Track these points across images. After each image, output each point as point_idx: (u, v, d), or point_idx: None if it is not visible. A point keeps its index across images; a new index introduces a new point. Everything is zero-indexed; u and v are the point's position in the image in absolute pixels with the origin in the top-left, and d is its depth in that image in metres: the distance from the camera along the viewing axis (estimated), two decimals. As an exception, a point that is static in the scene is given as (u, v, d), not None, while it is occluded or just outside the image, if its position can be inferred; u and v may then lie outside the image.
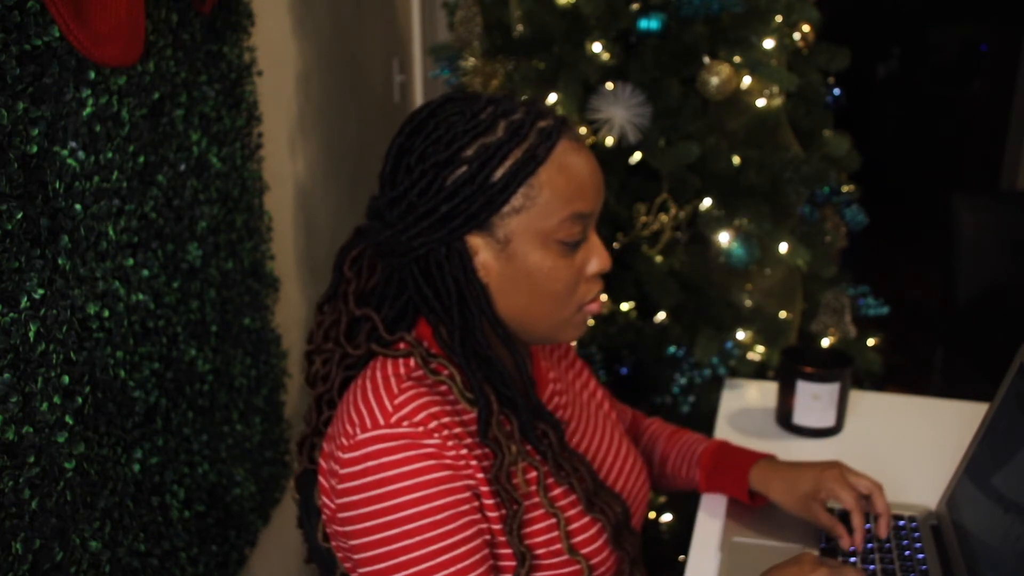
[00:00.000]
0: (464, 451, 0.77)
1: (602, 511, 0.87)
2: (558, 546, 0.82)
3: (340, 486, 0.77)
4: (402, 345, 0.83)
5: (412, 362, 0.81)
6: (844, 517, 0.99)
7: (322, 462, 0.82)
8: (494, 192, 0.77)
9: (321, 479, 0.82)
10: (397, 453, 0.75)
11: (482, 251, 0.80)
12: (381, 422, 0.76)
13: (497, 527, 0.79)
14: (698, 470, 1.07)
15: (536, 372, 0.93)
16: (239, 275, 1.40)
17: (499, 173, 0.77)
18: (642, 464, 1.02)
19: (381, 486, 0.75)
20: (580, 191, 0.80)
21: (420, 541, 0.74)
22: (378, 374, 0.81)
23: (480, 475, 0.78)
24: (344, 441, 0.77)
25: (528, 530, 0.81)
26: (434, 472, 0.75)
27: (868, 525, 1.00)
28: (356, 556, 0.77)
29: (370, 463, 0.75)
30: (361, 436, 0.76)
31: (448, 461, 0.76)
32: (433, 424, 0.76)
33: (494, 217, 0.78)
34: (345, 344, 0.85)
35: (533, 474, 0.83)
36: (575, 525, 0.84)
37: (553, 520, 0.82)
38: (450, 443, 0.76)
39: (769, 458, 1.05)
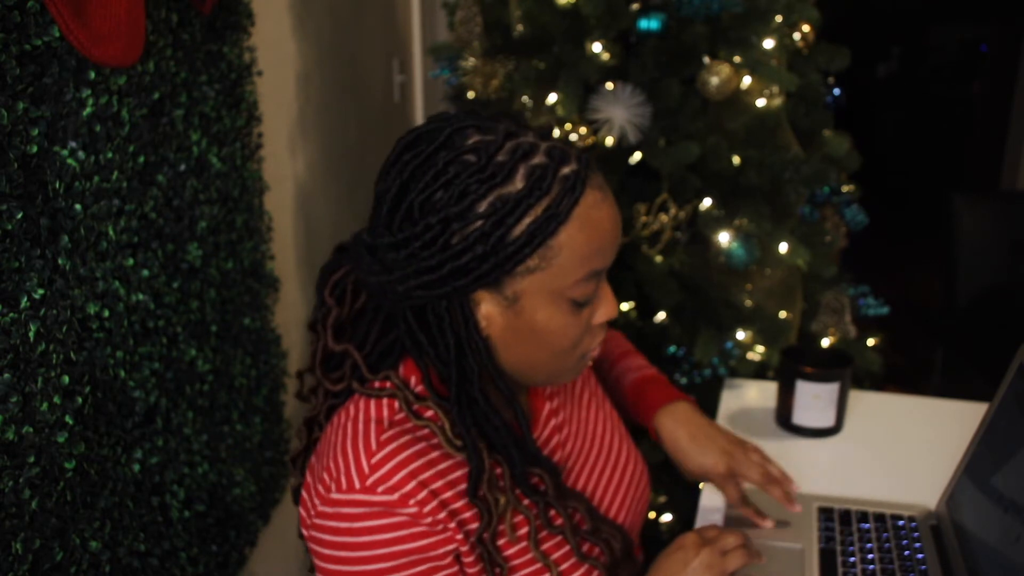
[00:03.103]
0: (443, 515, 0.72)
1: (602, 546, 0.84)
2: None
3: (314, 534, 0.74)
4: (386, 384, 0.78)
5: (396, 404, 0.76)
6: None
7: (303, 492, 0.78)
8: (508, 253, 0.70)
9: (301, 509, 0.78)
10: (370, 520, 0.71)
11: (486, 303, 0.74)
12: (356, 485, 0.71)
13: None
14: (628, 406, 1.05)
15: (533, 409, 0.89)
16: (239, 275, 1.40)
17: (516, 232, 0.69)
18: (642, 471, 0.99)
19: (350, 550, 0.71)
20: (599, 248, 0.73)
21: None
22: (360, 416, 0.76)
23: (460, 537, 0.73)
24: (321, 489, 0.74)
25: None
26: (407, 543, 0.71)
27: (867, 525, 1.00)
28: None
29: (343, 524, 0.71)
30: (335, 496, 0.72)
31: (424, 528, 0.71)
32: (411, 485, 0.71)
33: (505, 277, 0.72)
34: (324, 379, 0.80)
35: (524, 530, 0.79)
36: (567, 566, 0.81)
37: (544, 571, 0.79)
38: (427, 508, 0.71)
39: (678, 408, 1.00)
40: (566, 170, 0.71)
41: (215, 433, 1.32)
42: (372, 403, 0.77)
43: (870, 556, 0.94)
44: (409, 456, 0.73)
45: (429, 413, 0.77)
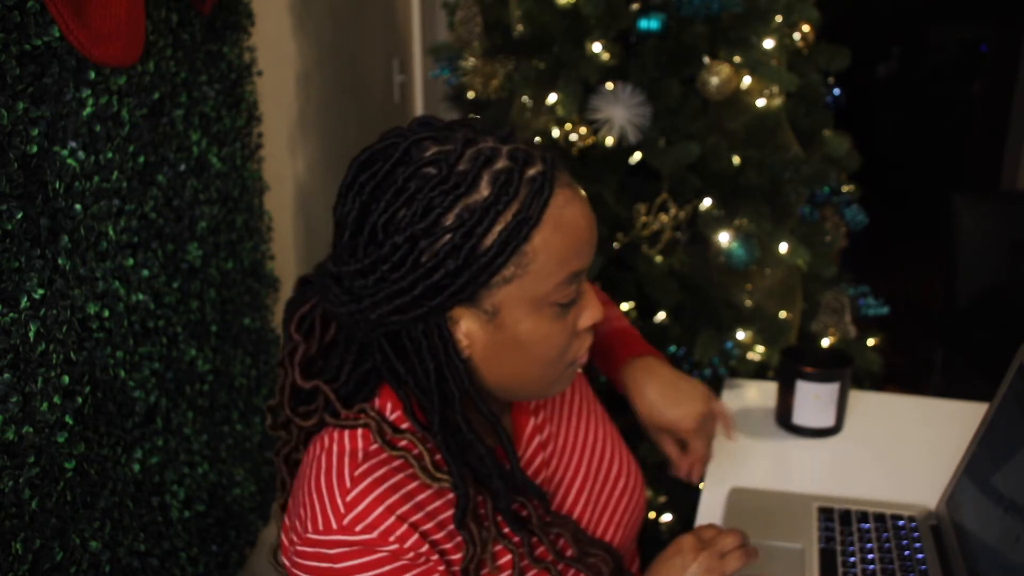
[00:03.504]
0: (425, 547, 0.70)
1: (589, 573, 0.81)
2: None
3: (296, 572, 0.72)
4: (360, 416, 0.75)
5: (370, 434, 0.73)
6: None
7: (285, 519, 0.76)
8: (481, 265, 0.67)
9: (283, 537, 0.75)
10: (350, 560, 0.69)
11: (465, 320, 0.70)
12: (333, 525, 0.69)
13: None
14: (597, 357, 1.03)
15: (516, 426, 0.86)
16: (239, 275, 1.40)
17: (487, 241, 0.66)
18: (636, 480, 0.96)
19: None
20: (576, 249, 0.71)
21: None
22: (334, 448, 0.73)
23: (442, 568, 0.71)
24: (299, 526, 0.71)
25: None
26: None
27: (867, 525, 1.00)
28: None
29: (323, 564, 0.69)
30: (312, 536, 0.69)
31: (405, 563, 0.69)
32: (390, 521, 0.69)
33: (481, 290, 0.69)
34: (293, 416, 0.76)
35: (507, 559, 0.76)
36: None
37: None
38: (408, 543, 0.69)
39: (646, 362, 0.97)
40: (531, 172, 0.69)
41: (215, 433, 1.32)
42: (346, 434, 0.74)
43: (870, 556, 0.94)
44: (385, 491, 0.70)
45: (403, 443, 0.74)
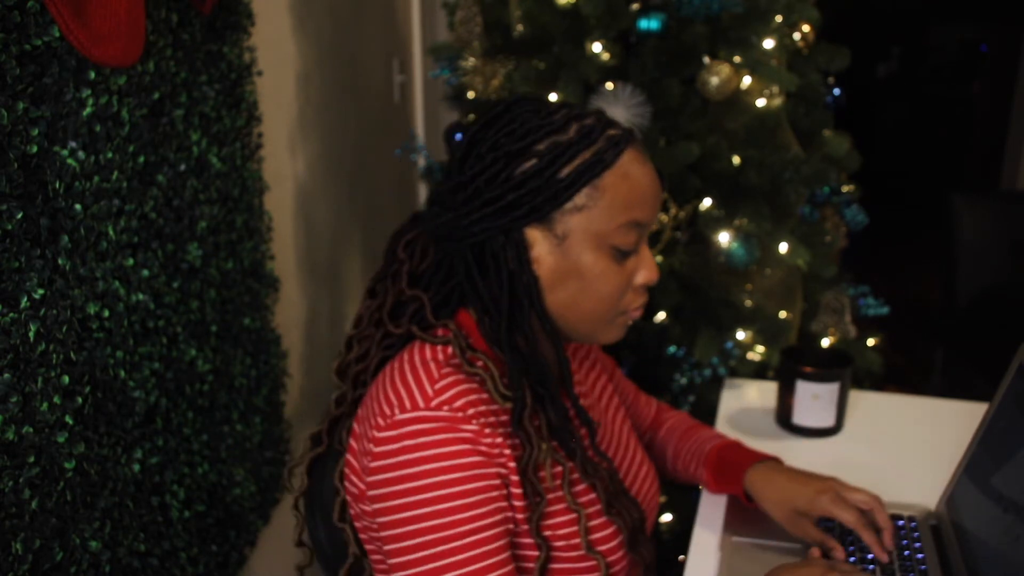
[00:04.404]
0: (500, 439, 0.79)
1: (619, 514, 0.88)
2: (577, 541, 0.83)
3: (373, 464, 0.78)
4: (442, 332, 0.84)
5: (450, 350, 0.83)
6: (843, 530, 0.99)
7: (352, 442, 0.83)
8: (560, 188, 0.79)
9: (350, 458, 0.83)
10: (435, 434, 0.76)
11: (538, 244, 0.81)
12: (421, 404, 0.77)
13: (520, 516, 0.81)
14: (704, 469, 1.08)
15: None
16: (239, 275, 1.40)
17: (566, 171, 0.79)
18: (654, 475, 1.03)
19: (415, 465, 0.76)
20: (640, 200, 0.82)
21: (448, 522, 0.76)
22: (416, 357, 0.82)
23: (512, 464, 0.79)
24: (380, 421, 0.78)
25: (550, 522, 0.83)
26: (469, 456, 0.76)
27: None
28: (384, 533, 0.79)
29: (407, 442, 0.76)
30: (400, 416, 0.77)
31: (483, 448, 0.77)
32: (472, 411, 0.78)
33: (556, 212, 0.80)
34: (387, 322, 0.86)
35: (559, 469, 0.85)
36: (594, 523, 0.86)
37: (574, 516, 0.84)
38: (487, 430, 0.78)
39: (770, 462, 1.03)
40: (612, 132, 0.82)
41: (215, 433, 1.32)
42: (428, 347, 0.83)
43: (870, 556, 0.94)
44: (467, 388, 0.79)
45: (480, 363, 0.82)
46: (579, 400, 0.90)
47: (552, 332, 0.83)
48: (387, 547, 0.79)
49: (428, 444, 0.76)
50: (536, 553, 0.82)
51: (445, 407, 0.77)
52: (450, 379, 0.79)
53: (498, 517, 0.78)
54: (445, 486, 0.76)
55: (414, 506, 0.76)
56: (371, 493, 0.79)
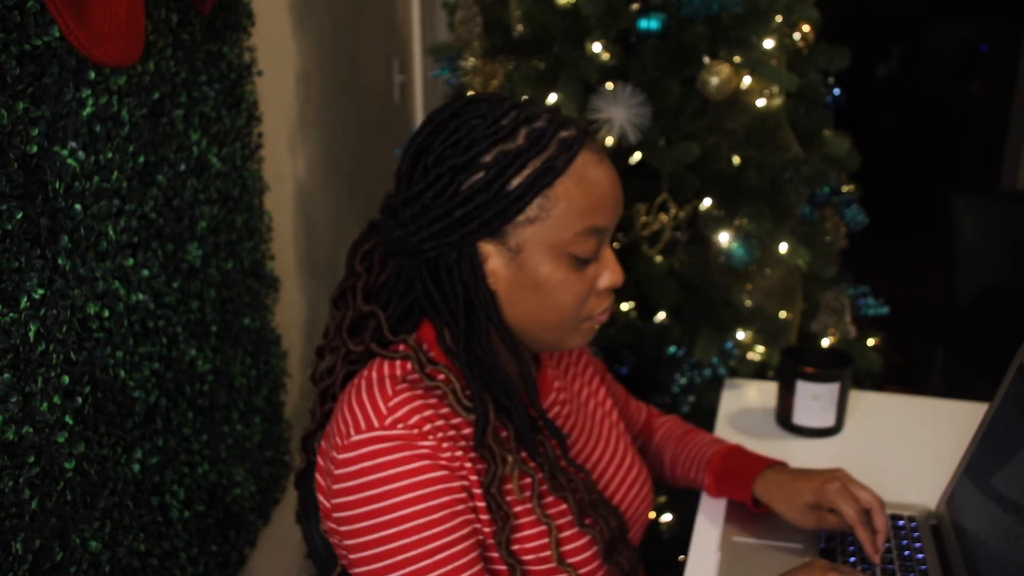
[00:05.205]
0: (460, 452, 0.77)
1: (595, 525, 0.86)
2: (548, 554, 0.81)
3: (335, 486, 0.77)
4: (402, 347, 0.83)
5: (409, 365, 0.81)
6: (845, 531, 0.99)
7: (319, 459, 0.82)
8: (509, 201, 0.76)
9: (318, 476, 0.82)
10: (392, 454, 0.74)
11: (493, 258, 0.79)
12: (375, 424, 0.76)
13: (488, 530, 0.79)
14: (707, 474, 1.07)
15: (540, 380, 0.92)
16: (239, 275, 1.40)
17: (516, 182, 0.76)
18: (646, 477, 1.00)
19: (376, 487, 0.74)
20: (597, 205, 0.78)
21: (415, 541, 0.74)
22: (374, 374, 0.81)
23: (474, 477, 0.78)
24: (339, 441, 0.77)
25: (519, 535, 0.81)
26: (430, 472, 0.75)
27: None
28: (352, 556, 0.77)
29: (365, 463, 0.75)
30: (355, 437, 0.76)
31: (443, 462, 0.76)
32: (428, 427, 0.76)
33: (507, 225, 0.77)
34: (346, 340, 0.85)
35: (528, 481, 0.82)
36: (567, 534, 0.83)
37: (545, 529, 0.81)
38: (445, 444, 0.76)
39: (776, 467, 1.03)
40: (565, 134, 0.78)
41: (215, 433, 1.32)
42: (386, 363, 0.81)
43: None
44: (421, 404, 0.77)
45: (440, 377, 0.81)
46: (547, 412, 0.88)
47: (512, 345, 0.81)
48: (356, 570, 0.77)
49: (386, 464, 0.74)
50: (505, 569, 0.79)
51: (400, 425, 0.75)
52: (404, 395, 0.77)
53: (466, 530, 0.77)
54: (408, 504, 0.74)
55: (379, 527, 0.74)
56: (336, 515, 0.77)
